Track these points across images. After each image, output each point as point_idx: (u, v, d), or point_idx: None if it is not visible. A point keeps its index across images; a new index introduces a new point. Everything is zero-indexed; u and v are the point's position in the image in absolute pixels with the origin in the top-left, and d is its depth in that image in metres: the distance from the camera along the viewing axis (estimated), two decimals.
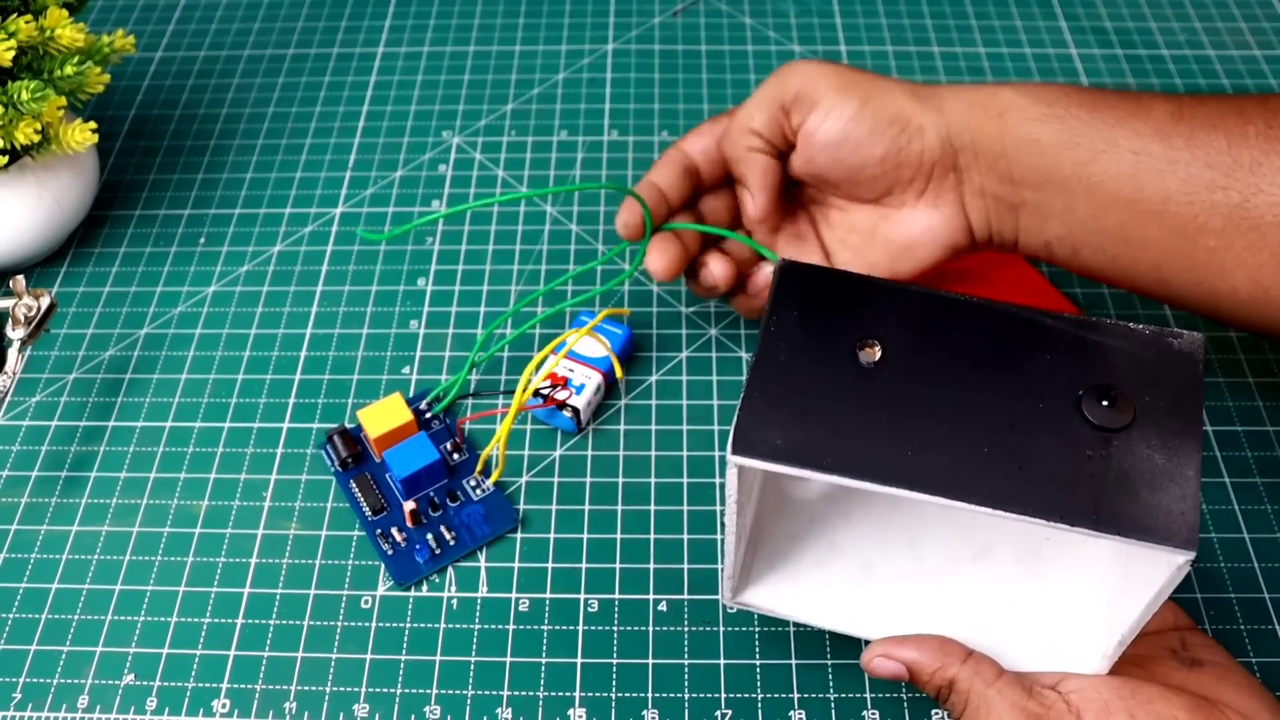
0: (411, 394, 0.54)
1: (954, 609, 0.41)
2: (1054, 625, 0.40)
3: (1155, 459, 0.33)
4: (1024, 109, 0.46)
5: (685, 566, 0.48)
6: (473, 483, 0.50)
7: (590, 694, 0.44)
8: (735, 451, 0.34)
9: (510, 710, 0.44)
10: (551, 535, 0.49)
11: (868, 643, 0.39)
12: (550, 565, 0.48)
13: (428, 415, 0.52)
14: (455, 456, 0.51)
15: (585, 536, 0.49)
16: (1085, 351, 0.35)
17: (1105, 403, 0.34)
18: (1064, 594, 0.40)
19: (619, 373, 0.52)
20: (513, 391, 0.52)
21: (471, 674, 0.45)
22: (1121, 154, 0.45)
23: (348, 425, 0.52)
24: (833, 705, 0.44)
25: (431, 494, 0.50)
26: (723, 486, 0.50)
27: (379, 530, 0.49)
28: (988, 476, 0.33)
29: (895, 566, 0.42)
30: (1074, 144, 0.46)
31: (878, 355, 0.35)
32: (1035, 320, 0.36)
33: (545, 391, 0.51)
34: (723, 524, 0.49)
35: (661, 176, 0.51)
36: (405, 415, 0.50)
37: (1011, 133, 0.46)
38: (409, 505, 0.48)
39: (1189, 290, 0.45)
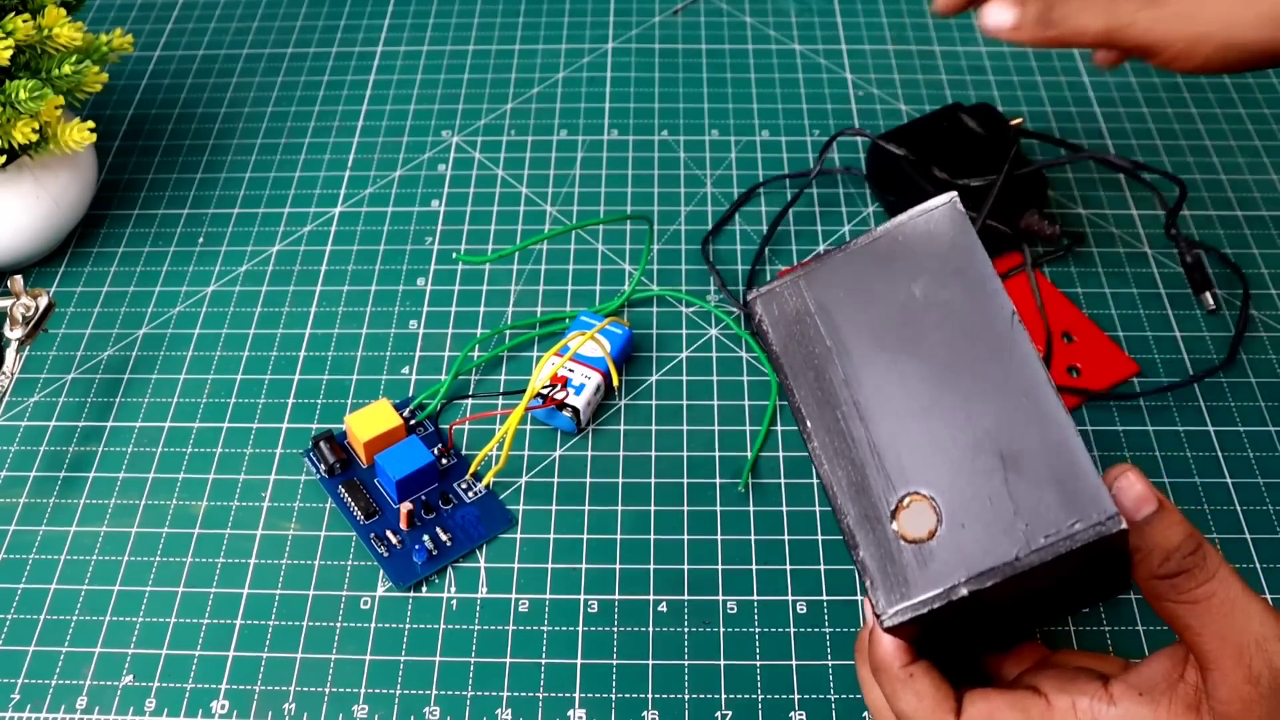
0: (411, 393, 0.54)
1: None
2: None
3: None
4: None
5: (685, 567, 0.48)
6: (464, 485, 0.50)
7: (590, 695, 0.44)
8: None
9: (510, 711, 0.44)
10: (551, 536, 0.49)
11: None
12: (550, 566, 0.48)
13: (412, 422, 0.52)
14: (443, 461, 0.51)
15: (585, 537, 0.49)
16: None
17: None
18: None
19: (615, 379, 0.52)
20: (509, 393, 0.52)
21: (471, 675, 0.45)
22: None
23: (332, 430, 0.52)
24: (833, 706, 0.44)
25: (424, 497, 0.49)
26: (723, 487, 0.50)
27: (373, 534, 0.48)
28: None
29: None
30: None
31: None
32: None
33: (545, 391, 0.51)
34: (722, 523, 0.49)
35: None
36: (395, 419, 0.50)
37: None
38: (405, 506, 0.48)
39: None
